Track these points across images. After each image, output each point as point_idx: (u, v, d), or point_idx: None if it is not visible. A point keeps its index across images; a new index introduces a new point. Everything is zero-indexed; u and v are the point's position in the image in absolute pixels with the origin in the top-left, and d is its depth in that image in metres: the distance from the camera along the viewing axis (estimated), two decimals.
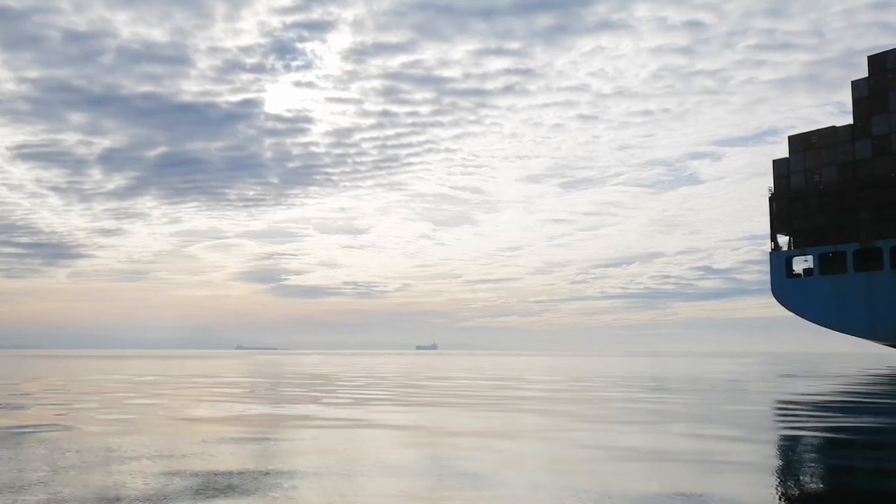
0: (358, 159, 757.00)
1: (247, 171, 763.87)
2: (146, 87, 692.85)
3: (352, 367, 62.56)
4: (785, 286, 78.83)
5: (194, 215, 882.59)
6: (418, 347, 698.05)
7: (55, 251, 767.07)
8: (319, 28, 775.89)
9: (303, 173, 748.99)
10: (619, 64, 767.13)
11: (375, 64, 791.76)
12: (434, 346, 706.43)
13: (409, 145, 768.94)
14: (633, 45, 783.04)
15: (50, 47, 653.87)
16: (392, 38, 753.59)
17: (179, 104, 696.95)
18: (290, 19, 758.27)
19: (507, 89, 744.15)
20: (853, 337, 75.08)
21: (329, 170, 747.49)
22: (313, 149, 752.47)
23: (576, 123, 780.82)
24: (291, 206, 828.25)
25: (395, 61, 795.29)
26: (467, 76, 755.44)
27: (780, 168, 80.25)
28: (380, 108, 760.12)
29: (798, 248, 78.42)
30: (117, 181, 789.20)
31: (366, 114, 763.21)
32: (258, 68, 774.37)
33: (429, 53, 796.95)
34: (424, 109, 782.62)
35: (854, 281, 73.17)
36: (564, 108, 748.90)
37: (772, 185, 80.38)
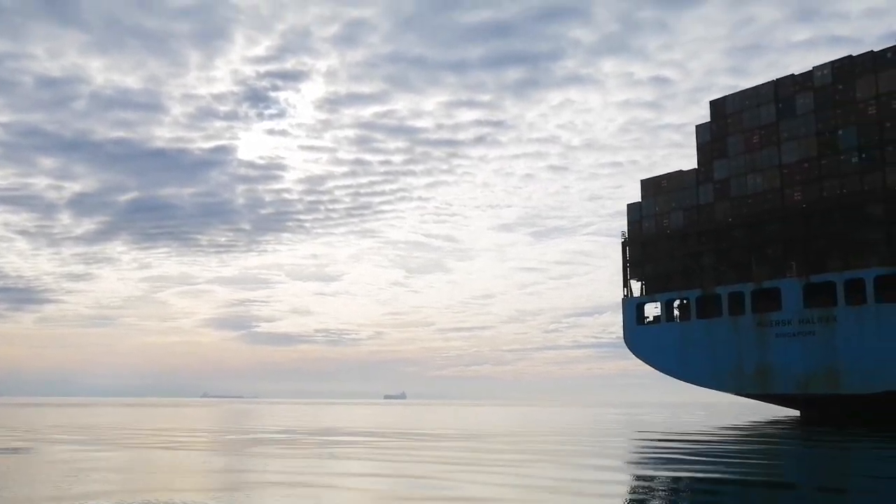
0: (331, 206, 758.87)
1: (219, 217, 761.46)
2: (119, 133, 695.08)
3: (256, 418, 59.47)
4: (635, 334, 76.87)
5: (164, 261, 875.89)
6: (386, 397, 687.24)
7: (21, 296, 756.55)
8: (293, 77, 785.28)
9: (275, 220, 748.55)
10: (587, 117, 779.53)
11: (348, 113, 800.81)
12: (403, 396, 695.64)
13: (382, 193, 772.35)
14: (601, 99, 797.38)
15: (22, 92, 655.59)
16: (365, 88, 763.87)
17: (152, 150, 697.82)
18: (263, 69, 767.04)
19: (479, 140, 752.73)
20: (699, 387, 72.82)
21: (302, 216, 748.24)
22: (286, 195, 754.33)
23: (546, 174, 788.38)
24: (263, 253, 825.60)
25: (368, 111, 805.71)
26: (439, 126, 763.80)
27: (634, 213, 79.00)
28: (353, 156, 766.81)
29: (649, 294, 76.68)
30: (87, 226, 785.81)
31: (339, 162, 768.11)
32: (231, 116, 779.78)
33: (401, 104, 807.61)
34: (397, 158, 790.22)
35: (696, 328, 71.29)
36: (535, 158, 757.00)
37: (625, 230, 78.97)
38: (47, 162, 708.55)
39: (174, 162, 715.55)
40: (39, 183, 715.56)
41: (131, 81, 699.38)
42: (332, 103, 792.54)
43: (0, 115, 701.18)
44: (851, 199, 62.42)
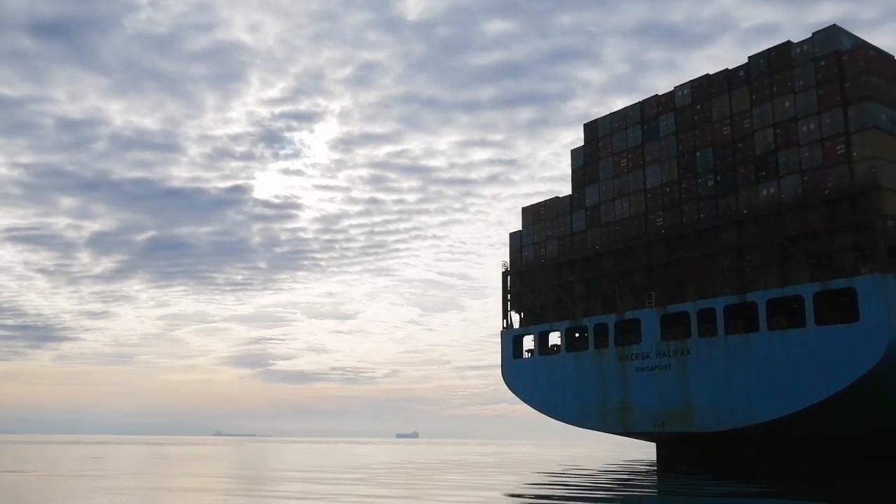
0: (346, 245, 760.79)
1: (235, 256, 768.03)
2: (137, 173, 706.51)
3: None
4: (511, 368, 73.18)
5: (181, 299, 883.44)
6: (398, 435, 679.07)
7: (40, 333, 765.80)
8: (307, 118, 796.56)
9: (291, 258, 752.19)
10: None
11: (362, 153, 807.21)
12: (415, 435, 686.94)
13: (397, 232, 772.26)
14: None
15: (44, 134, 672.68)
16: (378, 128, 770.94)
17: (169, 189, 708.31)
18: (278, 110, 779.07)
19: (492, 178, 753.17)
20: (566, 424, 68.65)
21: (317, 255, 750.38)
22: (301, 234, 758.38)
23: None
24: (279, 291, 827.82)
25: (382, 151, 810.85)
26: (452, 165, 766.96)
27: (515, 241, 75.87)
28: (367, 195, 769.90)
29: (525, 325, 73.08)
30: (105, 264, 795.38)
31: (353, 201, 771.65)
32: (247, 156, 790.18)
33: (414, 144, 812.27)
34: (411, 197, 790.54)
35: (564, 363, 67.48)
36: (548, 197, 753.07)
37: (507, 260, 75.71)
38: (67, 202, 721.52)
39: (191, 201, 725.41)
40: (59, 222, 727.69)
41: (149, 123, 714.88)
42: (346, 143, 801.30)
43: (22, 157, 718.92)
44: (707, 225, 58.81)
